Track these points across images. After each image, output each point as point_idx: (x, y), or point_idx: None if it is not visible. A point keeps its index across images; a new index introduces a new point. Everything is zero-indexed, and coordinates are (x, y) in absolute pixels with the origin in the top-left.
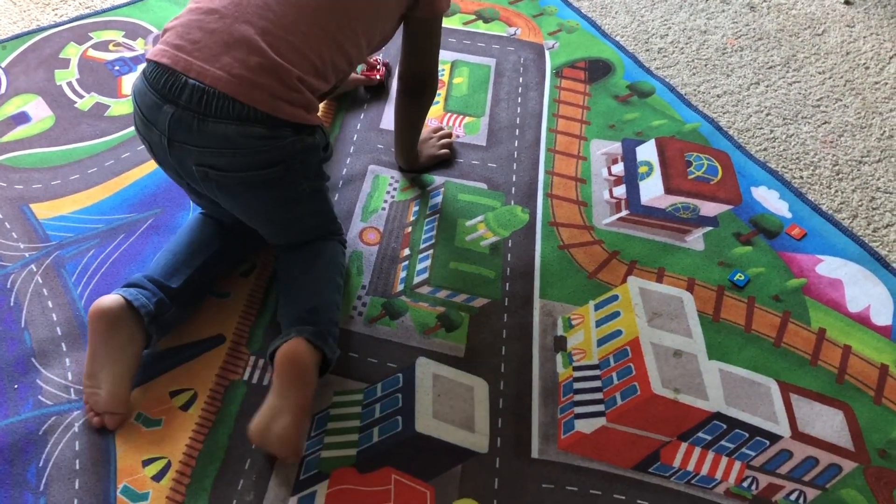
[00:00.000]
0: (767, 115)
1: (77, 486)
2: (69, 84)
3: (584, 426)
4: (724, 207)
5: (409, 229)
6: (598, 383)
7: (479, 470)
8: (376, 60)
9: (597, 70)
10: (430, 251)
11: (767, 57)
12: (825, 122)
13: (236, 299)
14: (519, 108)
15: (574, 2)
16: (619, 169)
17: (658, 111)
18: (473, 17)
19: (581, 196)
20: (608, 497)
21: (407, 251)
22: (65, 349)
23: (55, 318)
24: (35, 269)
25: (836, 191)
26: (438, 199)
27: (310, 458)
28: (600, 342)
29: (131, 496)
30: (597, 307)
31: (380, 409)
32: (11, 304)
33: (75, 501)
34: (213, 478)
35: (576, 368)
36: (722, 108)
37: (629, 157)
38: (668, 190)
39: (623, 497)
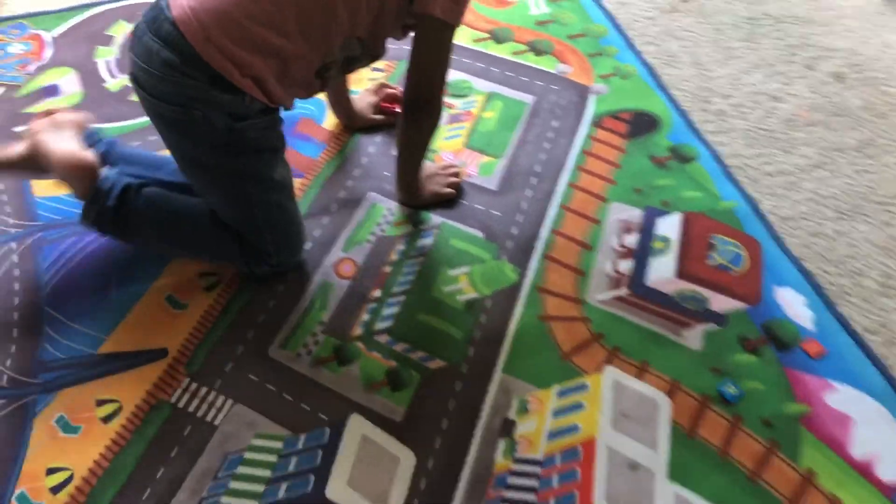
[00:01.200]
0: (821, 204)
1: None
2: (106, 63)
3: None
4: (738, 305)
5: (389, 269)
6: (534, 482)
7: None
8: (400, 91)
9: (640, 124)
10: (402, 297)
11: (840, 137)
12: (888, 224)
13: (191, 313)
14: (543, 155)
15: (640, 45)
16: (631, 240)
17: (695, 181)
18: (525, 48)
19: (581, 264)
20: None
21: (378, 292)
22: (15, 335)
23: (16, 303)
24: (14, 248)
25: (879, 308)
26: (428, 240)
27: (209, 502)
28: (552, 435)
29: None
30: (560, 394)
31: (295, 463)
32: None
33: None
34: (108, 501)
35: (516, 460)
36: (769, 188)
37: (647, 229)
38: (680, 274)
39: None
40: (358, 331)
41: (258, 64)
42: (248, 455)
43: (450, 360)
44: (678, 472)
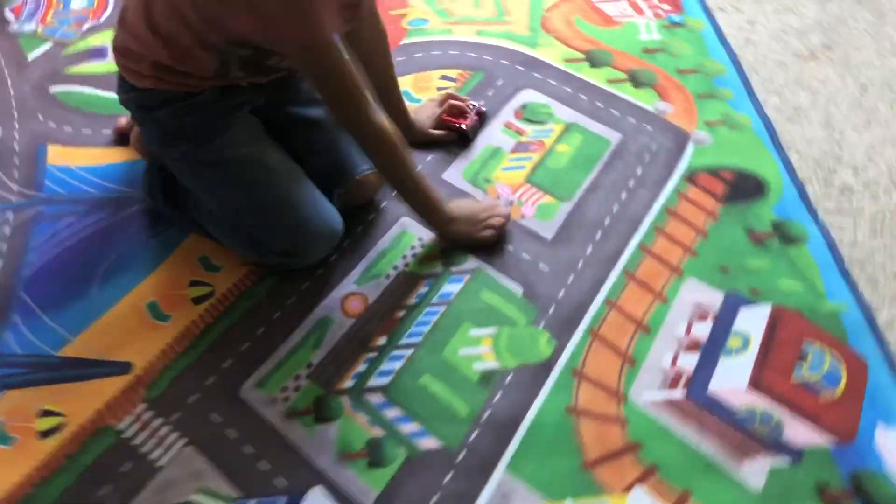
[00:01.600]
0: None
1: None
2: None
3: None
4: (823, 440)
5: (402, 314)
6: None
7: None
8: (469, 105)
9: (743, 188)
10: (409, 351)
11: None
12: None
13: (171, 327)
14: (617, 206)
15: (761, 92)
16: (702, 330)
17: (797, 270)
18: (624, 76)
19: (633, 349)
20: None
21: (383, 340)
22: None
23: None
24: (10, 219)
25: None
26: (456, 286)
27: None
28: None
29: None
30: None
31: None
32: None
33: None
34: None
35: None
36: (893, 295)
37: (725, 319)
38: (754, 384)
39: None
40: (348, 383)
41: (143, 64)
42: None
43: (446, 441)
44: None
